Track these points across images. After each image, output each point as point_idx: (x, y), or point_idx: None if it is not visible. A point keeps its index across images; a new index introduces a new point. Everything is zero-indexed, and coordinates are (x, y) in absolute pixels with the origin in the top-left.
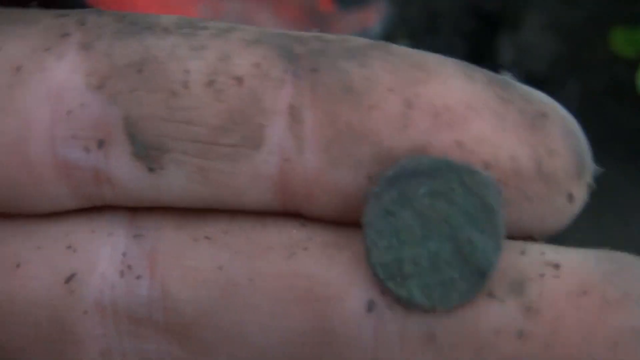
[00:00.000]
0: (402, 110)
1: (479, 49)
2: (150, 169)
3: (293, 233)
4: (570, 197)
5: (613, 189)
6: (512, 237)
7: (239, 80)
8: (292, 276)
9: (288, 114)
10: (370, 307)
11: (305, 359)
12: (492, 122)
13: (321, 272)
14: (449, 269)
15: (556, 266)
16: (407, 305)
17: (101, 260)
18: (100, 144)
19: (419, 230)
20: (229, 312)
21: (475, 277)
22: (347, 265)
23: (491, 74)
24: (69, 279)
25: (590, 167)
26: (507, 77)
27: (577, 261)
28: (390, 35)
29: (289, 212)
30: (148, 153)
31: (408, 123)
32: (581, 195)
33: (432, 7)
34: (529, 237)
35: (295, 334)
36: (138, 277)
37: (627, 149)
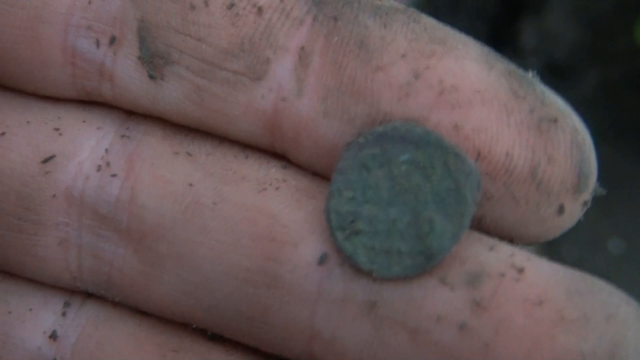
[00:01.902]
0: (408, 79)
1: (500, 32)
2: (151, 76)
3: (271, 171)
4: (561, 210)
5: (626, 180)
6: (490, 234)
7: (260, 10)
8: (256, 210)
9: (297, 55)
10: (322, 260)
11: (244, 299)
12: (496, 114)
13: (285, 214)
14: (399, 240)
15: (520, 270)
16: (347, 260)
17: (83, 149)
18: (112, 40)
19: (386, 194)
20: (186, 230)
21: (422, 258)
22: (312, 214)
23: (514, 67)
24: (47, 160)
25: (592, 186)
26: (531, 75)
27: (545, 271)
28: None
29: (277, 152)
30: (153, 60)
31: (411, 93)
32: (574, 211)
33: None
34: (508, 241)
35: (242, 269)
36: (113, 175)
37: None
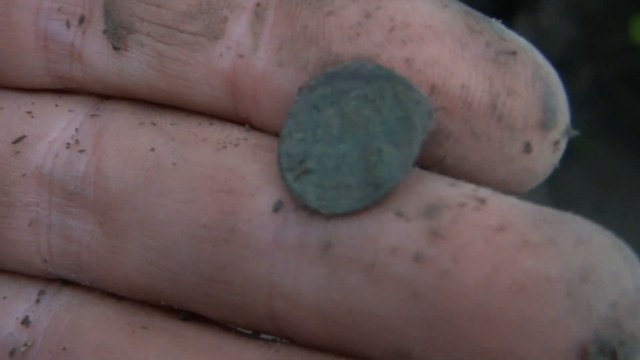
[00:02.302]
0: (358, 19)
1: None
2: (115, 48)
3: (234, 132)
4: (528, 147)
5: (619, 178)
6: (457, 177)
7: None
8: (214, 166)
9: (253, 11)
10: (277, 207)
11: (204, 259)
12: (450, 47)
13: (242, 166)
14: (349, 175)
15: (482, 200)
16: (297, 201)
17: (54, 130)
18: (81, 20)
19: (336, 131)
20: (146, 195)
21: (371, 189)
22: (269, 165)
23: (470, 9)
24: (18, 140)
25: (562, 122)
26: (491, 19)
27: (509, 202)
28: None
29: (241, 119)
30: (117, 31)
31: (361, 32)
32: (543, 150)
33: None
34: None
35: (200, 226)
36: (81, 151)
37: (637, 139)
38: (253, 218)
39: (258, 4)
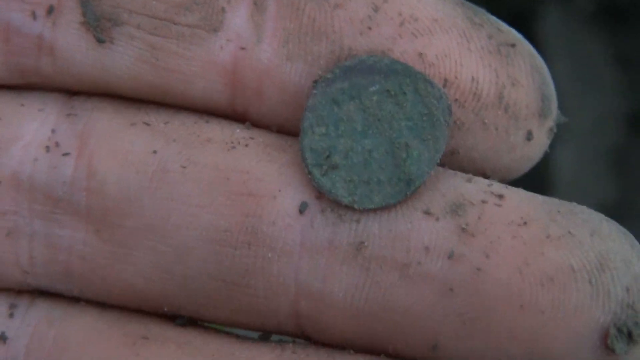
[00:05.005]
0: (368, 12)
1: None
2: (99, 40)
3: (236, 131)
4: (530, 135)
5: None
6: (464, 169)
7: None
8: (228, 168)
9: (252, 1)
10: (303, 208)
11: (224, 263)
12: (457, 40)
13: (258, 168)
14: (378, 170)
15: (500, 196)
16: (327, 196)
17: (27, 133)
18: (50, 10)
19: (360, 126)
20: (155, 200)
21: (402, 184)
22: (286, 166)
23: (465, 1)
24: None
25: (555, 110)
26: (482, 9)
27: (524, 196)
28: None
29: (236, 113)
30: (99, 23)
31: (372, 26)
32: (541, 137)
33: None
34: (482, 174)
35: (220, 230)
36: (65, 155)
37: None
38: (277, 220)
39: None
